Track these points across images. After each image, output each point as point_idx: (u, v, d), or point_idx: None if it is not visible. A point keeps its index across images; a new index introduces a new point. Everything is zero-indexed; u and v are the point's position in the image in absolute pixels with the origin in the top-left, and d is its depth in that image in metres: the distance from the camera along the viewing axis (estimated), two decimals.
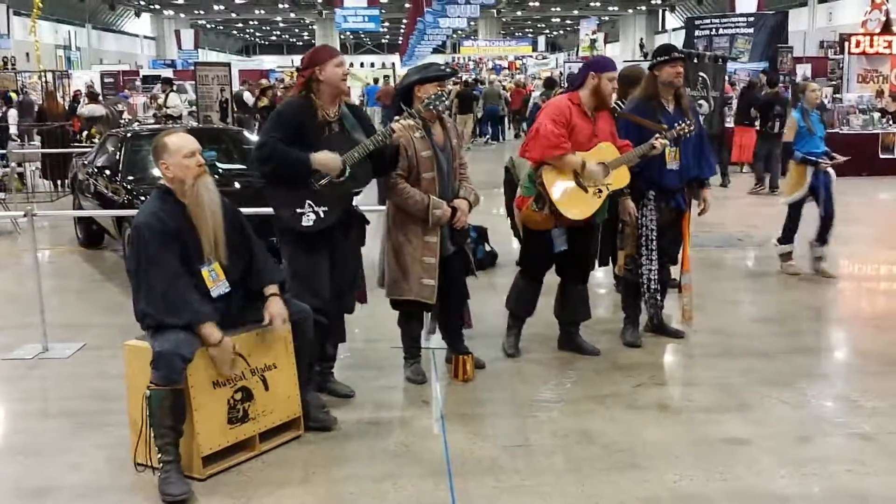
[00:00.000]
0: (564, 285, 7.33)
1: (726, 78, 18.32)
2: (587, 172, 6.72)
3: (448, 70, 6.80)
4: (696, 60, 10.93)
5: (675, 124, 7.04)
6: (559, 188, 6.74)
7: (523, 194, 6.96)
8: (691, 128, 7.04)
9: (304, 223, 5.83)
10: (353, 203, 6.27)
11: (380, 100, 31.27)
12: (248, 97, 25.41)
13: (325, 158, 5.76)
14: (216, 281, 5.33)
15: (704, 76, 10.71)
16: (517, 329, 7.40)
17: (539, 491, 5.07)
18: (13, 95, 26.43)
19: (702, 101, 10.21)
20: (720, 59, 11.70)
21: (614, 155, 6.87)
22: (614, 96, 7.00)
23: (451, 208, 6.48)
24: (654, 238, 7.29)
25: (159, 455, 5.06)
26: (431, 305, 6.64)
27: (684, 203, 7.49)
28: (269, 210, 6.05)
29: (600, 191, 6.80)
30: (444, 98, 6.17)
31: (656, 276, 7.36)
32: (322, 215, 5.85)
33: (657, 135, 6.95)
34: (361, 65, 75.45)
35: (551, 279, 7.32)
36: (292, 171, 5.79)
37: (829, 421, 6.06)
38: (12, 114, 22.06)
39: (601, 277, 9.46)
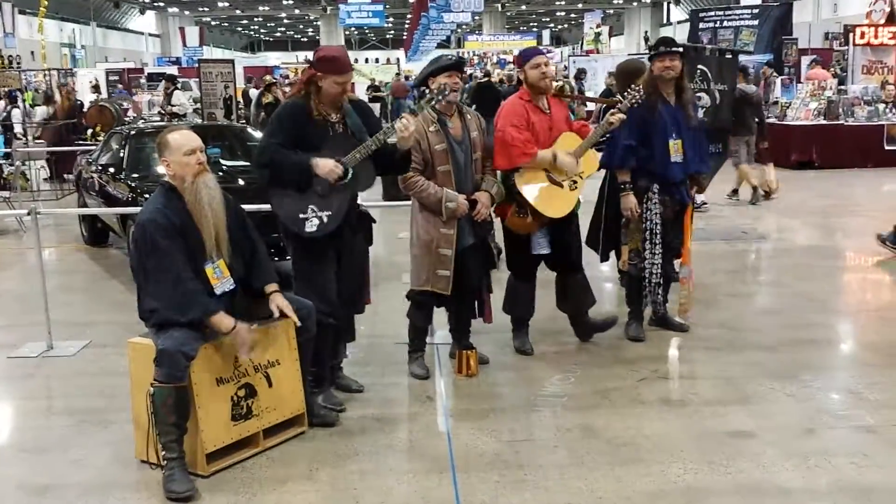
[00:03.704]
0: (561, 278, 7.34)
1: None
2: (559, 164, 6.74)
3: (455, 58, 6.78)
4: (694, 53, 10.86)
5: (625, 94, 6.98)
6: (535, 191, 6.77)
7: (502, 202, 6.95)
8: (641, 94, 6.95)
9: (307, 228, 5.80)
10: (359, 202, 6.26)
11: (394, 93, 31.95)
12: (254, 93, 25.48)
13: (325, 166, 5.70)
14: (220, 278, 5.33)
15: (705, 69, 10.67)
16: (523, 330, 7.40)
17: (543, 486, 5.07)
18: (28, 94, 26.44)
19: (701, 95, 10.17)
20: (726, 53, 11.65)
21: (577, 142, 6.89)
22: (547, 78, 6.92)
23: (472, 200, 6.50)
24: (658, 232, 7.29)
25: (163, 452, 5.06)
26: (445, 297, 6.66)
27: (688, 196, 7.48)
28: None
29: (574, 182, 6.83)
30: (445, 92, 6.15)
31: (659, 271, 7.36)
32: (325, 220, 5.81)
33: (611, 110, 6.94)
34: (366, 60, 75.45)
35: (552, 275, 7.33)
36: (293, 177, 5.76)
37: (833, 414, 6.05)
38: (16, 113, 22.09)
39: (606, 271, 9.46)
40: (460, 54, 64.04)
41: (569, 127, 7.00)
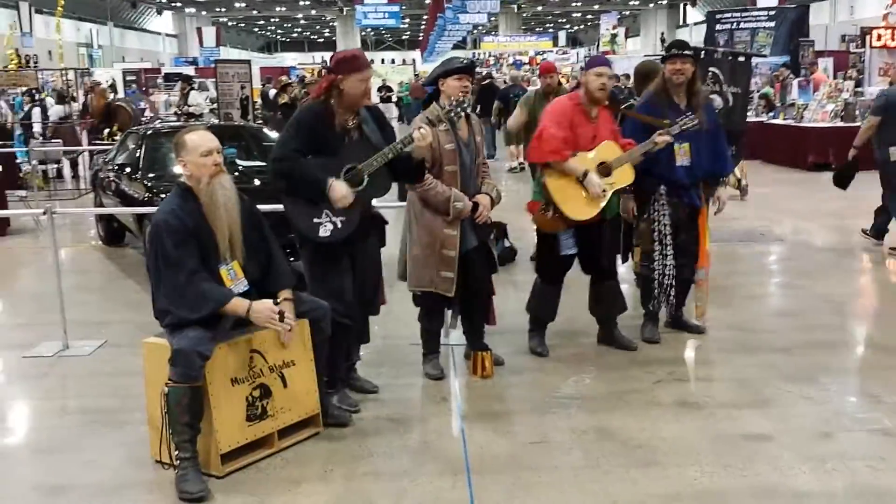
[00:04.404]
0: (594, 282, 7.32)
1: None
2: (586, 183, 6.72)
3: (467, 61, 6.77)
4: (703, 55, 10.82)
5: (678, 119, 6.99)
6: (562, 191, 6.75)
7: (533, 199, 6.96)
8: (694, 122, 6.97)
9: (321, 233, 5.79)
10: (372, 203, 6.24)
11: (412, 93, 32.15)
12: (272, 93, 25.54)
13: (339, 192, 5.67)
14: (235, 279, 5.32)
15: (716, 72, 10.64)
16: (540, 333, 7.38)
17: (558, 488, 5.06)
18: (43, 94, 26.45)
19: (713, 97, 10.14)
20: (738, 56, 11.59)
21: (616, 153, 6.85)
22: (605, 91, 6.90)
23: (474, 203, 6.48)
24: (668, 234, 7.26)
25: (176, 452, 5.06)
26: (451, 299, 6.64)
27: (699, 200, 7.43)
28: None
29: (604, 190, 6.78)
30: (465, 105, 6.13)
31: (672, 273, 7.33)
32: (339, 225, 5.80)
33: (659, 130, 6.92)
34: (382, 61, 75.45)
35: (572, 276, 7.29)
36: (307, 191, 5.75)
37: (850, 416, 6.02)
38: (36, 112, 22.13)
39: (622, 273, 9.41)
40: (476, 55, 64.16)
41: (615, 139, 6.95)
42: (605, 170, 6.82)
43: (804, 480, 5.09)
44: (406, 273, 6.68)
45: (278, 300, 5.39)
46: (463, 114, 6.21)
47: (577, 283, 7.39)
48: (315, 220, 5.80)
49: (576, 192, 6.76)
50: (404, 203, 6.76)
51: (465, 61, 6.78)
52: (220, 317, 5.18)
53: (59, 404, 6.65)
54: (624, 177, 6.90)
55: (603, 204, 6.82)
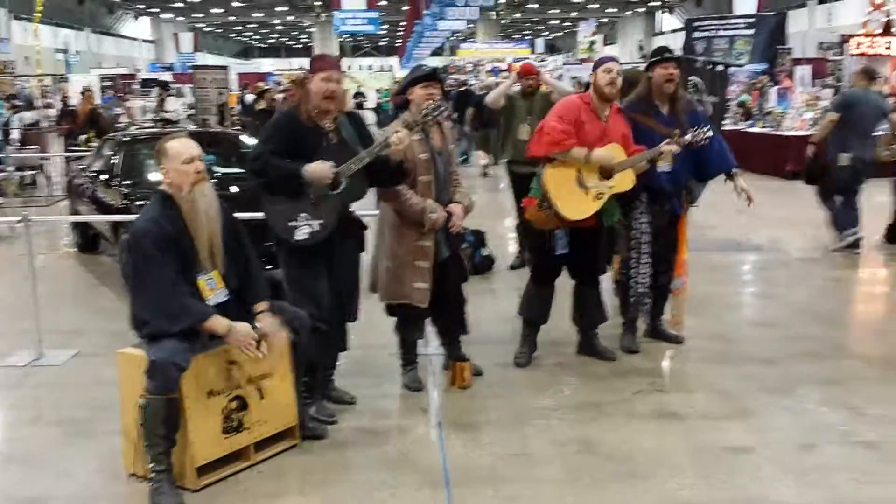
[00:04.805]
0: (577, 289, 7.28)
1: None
2: (593, 158, 6.64)
3: (429, 70, 6.71)
4: (685, 63, 10.85)
5: (692, 128, 6.95)
6: (558, 187, 6.69)
7: (531, 195, 6.91)
8: (708, 135, 6.94)
9: (297, 237, 5.75)
10: (351, 209, 6.19)
11: (392, 99, 32.31)
12: (250, 98, 25.46)
13: (316, 170, 5.66)
14: (214, 289, 5.26)
15: (695, 80, 10.66)
16: (531, 338, 7.33)
17: (538, 501, 5.02)
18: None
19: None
20: (715, 66, 11.63)
21: (621, 157, 6.79)
22: (614, 86, 6.84)
23: (447, 213, 6.43)
24: (646, 242, 7.22)
25: (151, 464, 4.99)
26: (426, 310, 6.58)
27: (679, 207, 7.40)
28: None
29: (601, 193, 6.74)
30: (443, 108, 6.08)
31: (647, 281, 7.29)
32: (316, 228, 5.77)
33: (668, 139, 6.88)
34: (360, 67, 75.35)
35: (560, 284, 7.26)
36: (285, 184, 5.72)
37: (832, 429, 5.98)
38: (16, 118, 21.96)
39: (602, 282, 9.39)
40: (455, 62, 64.15)
41: (624, 144, 6.87)
42: (606, 172, 6.77)
43: (786, 493, 5.06)
44: (376, 285, 6.63)
45: (257, 323, 5.33)
46: (440, 117, 6.16)
47: (558, 292, 7.32)
48: (290, 223, 5.77)
49: (573, 190, 6.70)
50: None
51: (426, 69, 6.74)
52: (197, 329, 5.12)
53: (33, 415, 6.55)
54: (624, 182, 6.84)
55: (597, 207, 6.77)
